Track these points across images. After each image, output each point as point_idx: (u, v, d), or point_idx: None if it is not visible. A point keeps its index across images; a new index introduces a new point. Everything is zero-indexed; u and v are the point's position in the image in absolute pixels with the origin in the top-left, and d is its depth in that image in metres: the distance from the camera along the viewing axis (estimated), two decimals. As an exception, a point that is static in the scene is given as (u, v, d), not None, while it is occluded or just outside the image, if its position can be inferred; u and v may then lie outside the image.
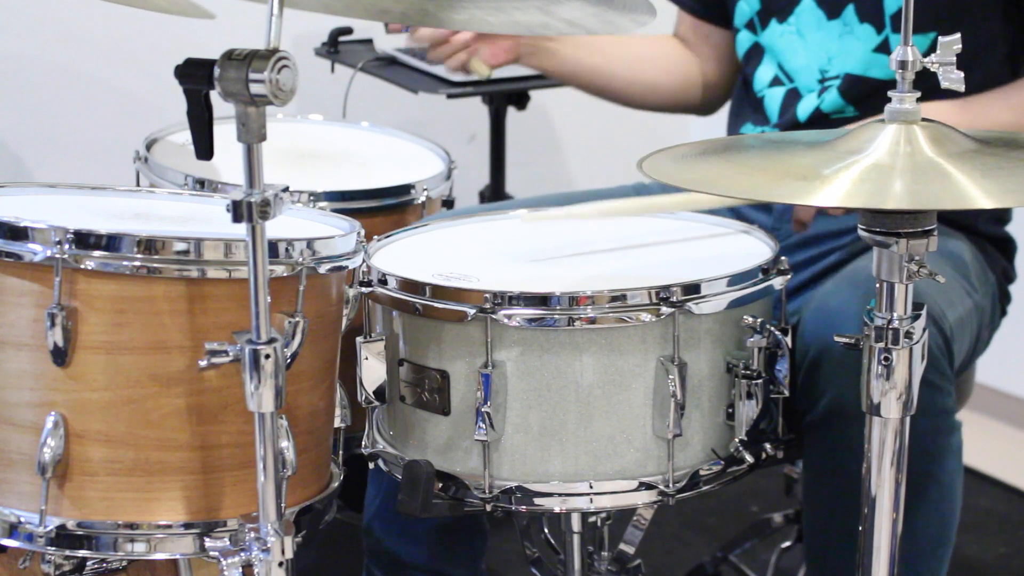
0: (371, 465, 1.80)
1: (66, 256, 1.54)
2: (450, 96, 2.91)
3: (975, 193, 1.44)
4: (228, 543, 1.59)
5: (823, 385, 1.84)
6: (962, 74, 1.52)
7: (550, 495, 1.68)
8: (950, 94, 1.59)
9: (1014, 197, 1.46)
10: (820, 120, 2.11)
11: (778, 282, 1.75)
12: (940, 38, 1.52)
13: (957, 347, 1.91)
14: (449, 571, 2.13)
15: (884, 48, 2.06)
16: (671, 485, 1.68)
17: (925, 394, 1.75)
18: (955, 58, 1.52)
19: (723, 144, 1.74)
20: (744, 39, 2.22)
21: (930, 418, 1.83)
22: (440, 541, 2.10)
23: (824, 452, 1.89)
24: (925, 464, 1.84)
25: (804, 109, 2.13)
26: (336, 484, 1.76)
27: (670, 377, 1.64)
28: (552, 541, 1.98)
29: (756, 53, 2.20)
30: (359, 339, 1.73)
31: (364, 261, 1.75)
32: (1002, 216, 2.20)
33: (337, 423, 1.77)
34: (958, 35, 1.52)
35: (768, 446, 1.77)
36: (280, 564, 1.54)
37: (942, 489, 1.89)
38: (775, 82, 2.17)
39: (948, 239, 2.04)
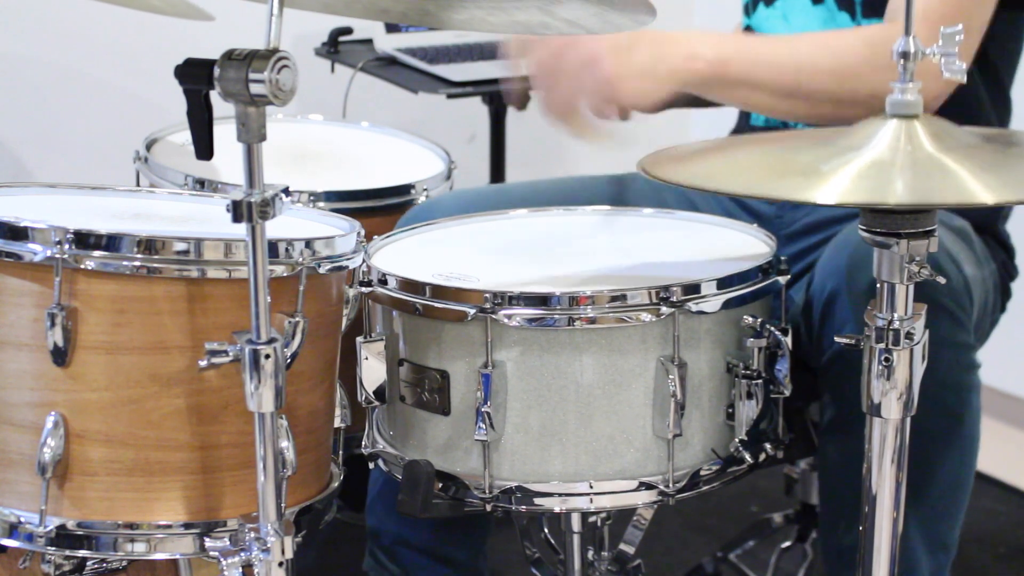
0: (371, 465, 1.80)
1: (66, 256, 1.54)
2: (450, 96, 2.91)
3: (976, 188, 1.44)
4: (228, 543, 1.59)
5: (840, 320, 1.82)
6: (964, 64, 1.51)
7: (550, 495, 1.68)
8: None
9: (1014, 192, 1.46)
10: None
11: (778, 282, 1.75)
12: (943, 28, 1.51)
13: (975, 294, 1.89)
14: (451, 553, 2.13)
15: None
16: (671, 485, 1.68)
17: (945, 323, 1.73)
18: (957, 49, 1.51)
19: (723, 143, 1.74)
20: (741, 23, 2.23)
21: (951, 350, 1.81)
22: (442, 524, 2.10)
23: (839, 393, 1.87)
24: (948, 398, 1.82)
25: None
26: (336, 484, 1.76)
27: (670, 377, 1.64)
28: (552, 541, 1.98)
29: None
30: (359, 339, 1.73)
31: (364, 261, 1.75)
32: (1005, 215, 2.20)
33: (337, 423, 1.77)
34: (960, 26, 1.51)
35: (768, 446, 1.77)
36: (280, 564, 1.54)
37: (963, 426, 1.86)
38: None
39: (953, 217, 2.03)
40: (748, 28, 2.21)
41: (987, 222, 2.14)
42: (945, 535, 1.91)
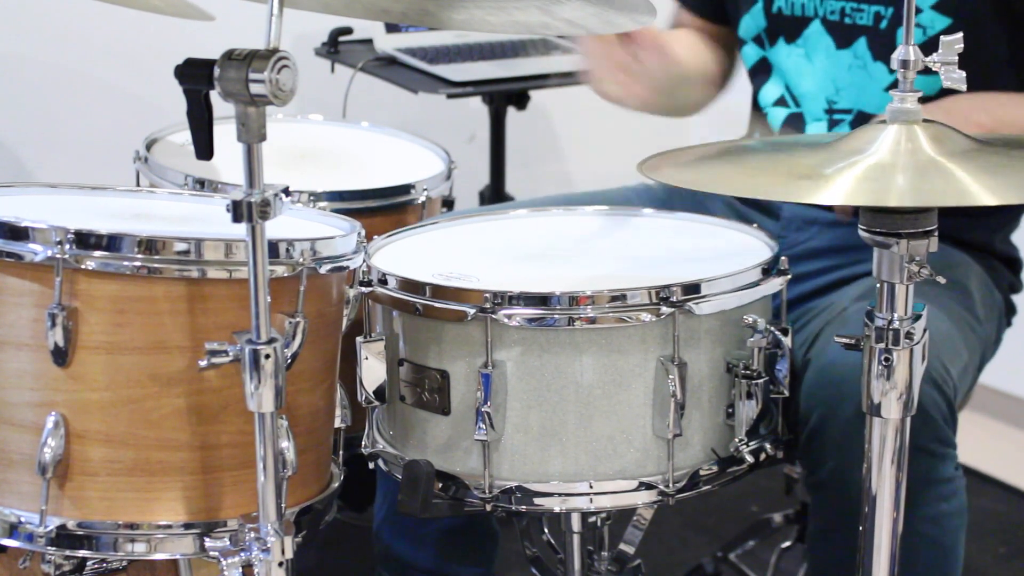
0: (371, 465, 1.80)
1: (67, 256, 1.54)
2: (450, 96, 2.91)
3: (977, 190, 1.44)
4: (228, 543, 1.59)
5: (828, 453, 1.82)
6: (964, 73, 1.52)
7: (550, 495, 1.68)
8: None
9: (1016, 193, 1.46)
10: None
11: (778, 282, 1.75)
12: (942, 37, 1.52)
13: (960, 402, 1.88)
14: (460, 574, 2.12)
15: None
16: (671, 485, 1.68)
17: (925, 463, 1.74)
18: (957, 57, 1.52)
19: (723, 147, 1.73)
20: (751, 53, 2.18)
21: (931, 487, 1.81)
22: (449, 544, 2.10)
23: (827, 511, 1.87)
24: (925, 529, 1.82)
25: None
26: (336, 484, 1.76)
27: (670, 377, 1.64)
28: (552, 541, 1.98)
29: (763, 68, 2.17)
30: (359, 339, 1.73)
31: (364, 261, 1.75)
32: (1012, 227, 2.18)
33: (337, 423, 1.77)
34: (960, 35, 1.52)
35: (768, 446, 1.77)
36: (280, 564, 1.54)
37: (944, 551, 1.86)
38: (780, 102, 2.15)
39: (953, 267, 2.01)
40: (764, 60, 2.18)
41: (992, 239, 2.12)
42: None
